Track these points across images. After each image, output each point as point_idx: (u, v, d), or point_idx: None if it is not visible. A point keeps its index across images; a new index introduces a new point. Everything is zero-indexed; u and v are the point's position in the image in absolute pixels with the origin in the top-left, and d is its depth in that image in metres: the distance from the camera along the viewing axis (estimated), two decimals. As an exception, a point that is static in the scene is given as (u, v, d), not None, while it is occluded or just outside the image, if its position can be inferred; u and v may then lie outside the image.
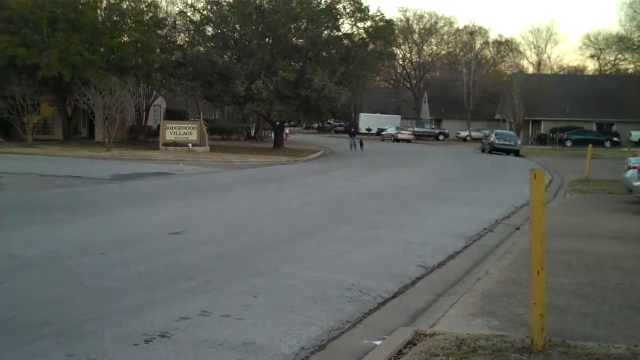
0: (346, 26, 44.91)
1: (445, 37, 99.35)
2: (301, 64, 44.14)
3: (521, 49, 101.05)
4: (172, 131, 40.22)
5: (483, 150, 55.19)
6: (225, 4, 44.41)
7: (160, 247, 10.75)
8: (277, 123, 47.42)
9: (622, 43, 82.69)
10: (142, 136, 49.06)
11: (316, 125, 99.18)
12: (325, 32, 44.81)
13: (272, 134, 52.49)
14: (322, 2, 43.68)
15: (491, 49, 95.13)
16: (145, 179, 23.32)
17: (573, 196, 21.51)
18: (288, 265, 9.80)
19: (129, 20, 42.94)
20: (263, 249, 11.03)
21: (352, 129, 56.01)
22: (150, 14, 44.61)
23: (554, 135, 66.60)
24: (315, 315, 7.40)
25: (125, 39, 42.91)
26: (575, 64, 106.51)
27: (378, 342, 6.63)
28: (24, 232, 11.77)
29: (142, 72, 43.58)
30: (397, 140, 73.03)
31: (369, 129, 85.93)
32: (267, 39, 43.68)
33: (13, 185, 19.69)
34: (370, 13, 44.35)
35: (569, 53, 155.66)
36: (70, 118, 45.31)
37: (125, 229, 12.50)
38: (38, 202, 16.21)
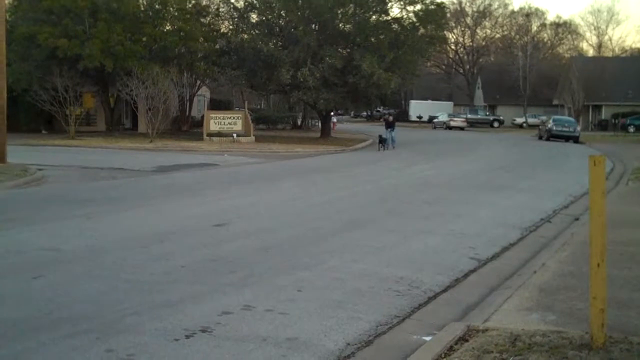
0: (395, 10, 45.09)
1: (499, 19, 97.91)
2: (348, 50, 44.00)
3: (580, 30, 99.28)
4: (217, 121, 40.51)
5: (540, 138, 54.33)
6: (269, -11, 44.49)
7: (203, 240, 10.79)
8: (324, 112, 47.41)
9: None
10: (186, 127, 49.58)
11: (364, 113, 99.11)
12: (374, 16, 44.56)
13: (319, 123, 52.55)
14: (370, -15, 43.48)
15: (548, 31, 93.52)
16: (188, 171, 23.52)
17: (636, 184, 21.00)
18: (334, 258, 9.75)
19: (171, 9, 43.31)
20: (309, 242, 11.00)
21: (390, 118, 41.33)
22: (192, 2, 44.97)
23: (616, 121, 65.22)
24: (362, 310, 7.33)
25: (168, 27, 43.37)
26: (639, 45, 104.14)
27: (428, 338, 6.53)
28: (65, 225, 11.95)
29: (186, 62, 43.99)
30: (450, 128, 72.38)
31: (420, 117, 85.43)
32: (313, 25, 43.61)
33: (55, 178, 20.06)
34: (421, -4, 43.99)
35: (632, 34, 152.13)
36: (113, 109, 46.03)
37: (167, 222, 12.59)
38: (80, 195, 16.47)
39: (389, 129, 38.90)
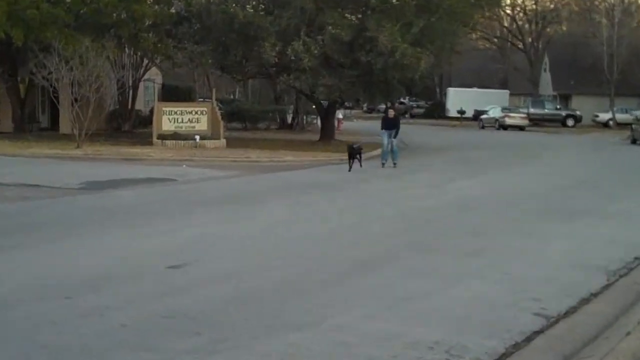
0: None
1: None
2: (359, 16, 44.10)
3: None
4: (172, 117, 40.66)
5: (634, 141, 54.45)
6: None
7: (153, 288, 10.78)
8: (326, 104, 47.40)
9: None
10: (128, 125, 49.68)
11: (382, 106, 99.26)
12: (395, -33, 44.73)
13: (318, 121, 52.60)
14: None
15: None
16: (132, 188, 23.53)
17: None
18: (339, 313, 9.75)
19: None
20: (302, 290, 10.99)
21: (392, 112, 35.26)
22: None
23: None
24: (379, 389, 7.34)
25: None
26: None
27: None
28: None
29: (128, 32, 43.92)
30: (505, 127, 72.45)
31: (461, 112, 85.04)
32: (308, -20, 43.75)
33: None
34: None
35: None
36: (24, 100, 46.07)
37: (102, 261, 12.58)
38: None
39: (388, 131, 33.12)
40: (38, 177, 25.14)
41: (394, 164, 32.61)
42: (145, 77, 53.15)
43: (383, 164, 32.93)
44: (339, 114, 59.77)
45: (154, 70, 55.85)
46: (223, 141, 40.07)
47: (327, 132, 47.82)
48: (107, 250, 13.66)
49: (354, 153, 31.16)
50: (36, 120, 48.94)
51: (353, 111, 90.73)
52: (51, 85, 39.41)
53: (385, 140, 33.17)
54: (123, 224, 16.65)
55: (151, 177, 26.35)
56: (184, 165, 30.94)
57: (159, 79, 60.43)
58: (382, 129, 33.71)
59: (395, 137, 33.09)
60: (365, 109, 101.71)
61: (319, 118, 52.28)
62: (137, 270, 11.95)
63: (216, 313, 9.64)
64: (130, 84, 49.82)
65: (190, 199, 21.75)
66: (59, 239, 14.62)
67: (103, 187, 23.60)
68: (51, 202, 20.40)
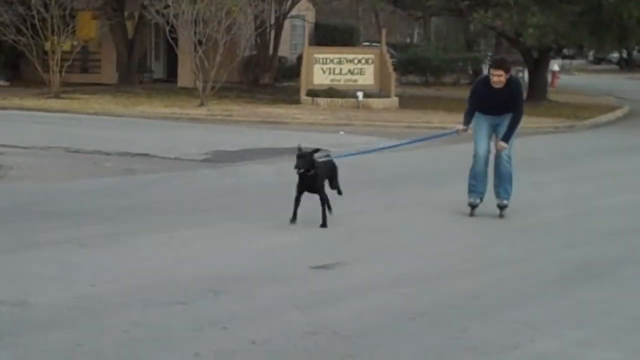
0: None
1: None
2: None
3: None
4: (327, 67, 40.73)
5: None
6: None
7: (292, 294, 10.79)
8: (536, 52, 46.88)
9: None
10: (268, 77, 50.03)
11: (616, 55, 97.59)
12: None
13: (525, 74, 52.02)
14: None
15: None
16: (270, 161, 23.71)
17: None
18: (543, 334, 9.57)
19: None
20: (493, 302, 10.87)
21: (502, 78, 21.37)
22: None
23: None
24: None
25: None
26: None
27: None
28: (37, 260, 12.22)
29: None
30: None
31: None
32: None
33: (22, 170, 20.56)
34: None
35: None
36: (133, 43, 46.72)
37: (224, 258, 12.78)
38: (66, 203, 16.86)
39: (491, 119, 17.29)
40: (148, 144, 25.57)
41: (502, 205, 16.98)
42: (293, 12, 53.18)
43: (472, 204, 17.07)
44: (554, 66, 59.00)
45: (304, 3, 55.76)
46: (395, 100, 40.02)
47: (537, 90, 47.28)
48: (233, 244, 13.83)
49: (305, 182, 15.53)
50: (147, 69, 49.83)
51: (574, 62, 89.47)
52: (168, 23, 39.86)
53: (484, 143, 17.34)
54: (256, 210, 16.67)
55: (295, 147, 26.39)
56: (342, 132, 31.03)
57: (310, 16, 60.12)
58: (472, 112, 17.34)
59: (508, 136, 16.94)
60: (591, 58, 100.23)
61: (526, 70, 51.68)
62: (271, 271, 12.07)
63: (374, 331, 9.61)
64: (272, 23, 50.02)
65: (348, 178, 21.64)
66: (171, 227, 14.76)
67: (233, 159, 23.85)
68: (164, 177, 20.62)
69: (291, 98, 40.75)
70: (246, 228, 14.95)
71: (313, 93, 39.57)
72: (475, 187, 16.96)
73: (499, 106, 17.06)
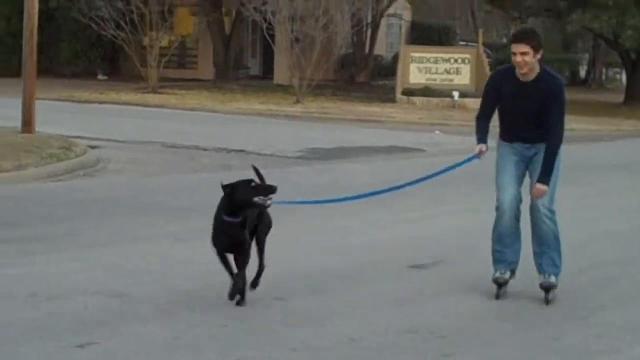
0: None
1: None
2: None
3: None
4: (423, 67, 40.68)
5: None
6: None
7: (390, 290, 10.78)
8: (635, 54, 46.39)
9: None
10: (364, 75, 50.00)
11: None
12: None
13: (623, 76, 51.49)
14: None
15: None
16: (365, 160, 23.74)
17: None
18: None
19: None
20: (588, 308, 10.73)
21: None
22: None
23: None
24: None
25: None
26: None
27: None
28: (138, 253, 12.47)
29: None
30: None
31: None
32: None
33: (120, 164, 20.87)
34: None
35: None
36: (230, 39, 46.95)
37: (321, 255, 12.85)
38: (166, 199, 17.09)
39: (516, 157, 11.93)
40: (244, 140, 25.79)
41: (547, 284, 10.99)
42: (390, 11, 53.21)
43: (497, 280, 11.03)
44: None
45: (401, 2, 55.80)
46: (490, 100, 39.61)
47: (636, 93, 46.76)
48: (330, 241, 13.94)
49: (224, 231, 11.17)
50: (244, 65, 49.97)
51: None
52: (265, 20, 39.89)
53: (511, 187, 11.70)
54: (351, 207, 16.66)
55: (392, 146, 26.38)
56: (437, 132, 30.94)
57: (407, 15, 60.33)
58: (485, 121, 12.68)
59: (546, 174, 11.13)
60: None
61: (624, 72, 51.16)
62: (367, 268, 12.11)
63: (470, 331, 9.62)
64: (369, 21, 50.01)
65: (439, 177, 21.52)
66: (301, 221, 15.01)
67: (328, 156, 23.92)
68: (263, 173, 20.61)
69: (386, 96, 40.79)
70: (342, 225, 15.10)
71: (409, 92, 39.58)
72: (503, 254, 11.20)
73: (527, 116, 11.27)
